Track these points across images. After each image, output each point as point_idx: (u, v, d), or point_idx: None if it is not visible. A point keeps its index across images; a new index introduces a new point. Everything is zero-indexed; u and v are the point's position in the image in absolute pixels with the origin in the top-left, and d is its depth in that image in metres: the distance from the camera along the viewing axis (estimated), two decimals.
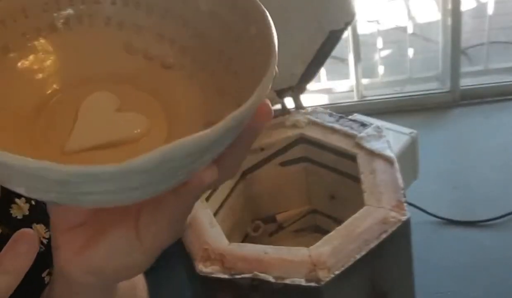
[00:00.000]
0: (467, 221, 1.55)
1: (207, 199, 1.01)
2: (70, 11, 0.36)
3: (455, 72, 1.97)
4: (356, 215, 0.88)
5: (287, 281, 0.79)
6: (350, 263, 0.80)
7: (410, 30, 2.05)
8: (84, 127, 0.33)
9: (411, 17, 2.14)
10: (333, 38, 1.08)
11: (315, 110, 1.17)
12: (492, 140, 1.82)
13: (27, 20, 0.35)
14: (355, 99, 2.07)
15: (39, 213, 0.49)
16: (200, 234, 0.90)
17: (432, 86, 2.07)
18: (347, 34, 1.91)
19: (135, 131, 0.33)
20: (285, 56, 1.25)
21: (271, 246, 0.86)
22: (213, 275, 0.82)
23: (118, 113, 0.34)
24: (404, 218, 0.86)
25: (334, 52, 1.15)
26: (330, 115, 1.14)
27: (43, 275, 0.48)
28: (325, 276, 0.78)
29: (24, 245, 0.31)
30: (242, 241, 1.17)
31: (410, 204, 1.06)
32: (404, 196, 0.90)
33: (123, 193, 0.27)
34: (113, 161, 0.25)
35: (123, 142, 0.33)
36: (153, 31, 0.37)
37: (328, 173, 1.13)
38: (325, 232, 0.91)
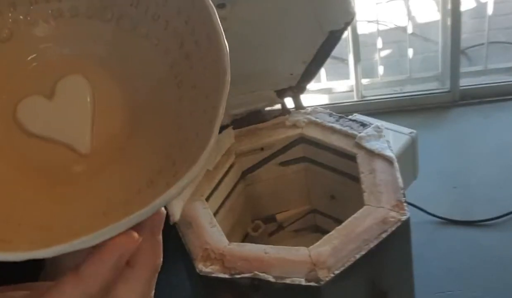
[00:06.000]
0: (466, 221, 1.55)
1: (207, 199, 1.01)
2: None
3: (454, 72, 1.97)
4: (356, 215, 0.88)
5: (287, 281, 0.79)
6: (350, 263, 0.80)
7: (409, 30, 2.05)
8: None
9: (411, 17, 2.14)
10: (333, 38, 1.08)
11: (315, 110, 1.17)
12: (491, 140, 1.82)
13: None
14: (355, 99, 2.06)
15: None
16: (200, 234, 0.90)
17: (432, 86, 2.06)
18: (347, 34, 1.91)
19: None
20: (285, 56, 1.25)
21: (271, 246, 0.86)
22: (213, 275, 0.82)
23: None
24: (404, 218, 0.86)
25: (334, 52, 1.15)
26: (330, 115, 1.14)
27: None
28: (325, 275, 0.78)
29: None
30: (242, 241, 1.17)
31: (410, 204, 1.06)
32: (404, 196, 0.90)
33: None
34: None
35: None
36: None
37: (328, 173, 1.13)
38: (325, 232, 0.91)
